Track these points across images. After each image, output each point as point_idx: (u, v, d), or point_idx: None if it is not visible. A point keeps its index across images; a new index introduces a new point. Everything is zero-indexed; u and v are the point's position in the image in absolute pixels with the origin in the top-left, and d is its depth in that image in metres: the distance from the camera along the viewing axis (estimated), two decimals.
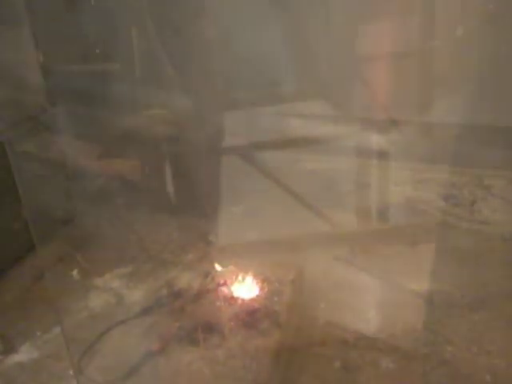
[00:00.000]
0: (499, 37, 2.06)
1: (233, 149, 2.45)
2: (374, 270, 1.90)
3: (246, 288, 1.82)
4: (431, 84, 2.35)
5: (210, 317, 1.72)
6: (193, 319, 1.73)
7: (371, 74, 2.30)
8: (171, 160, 2.15)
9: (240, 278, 1.86)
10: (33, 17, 1.71)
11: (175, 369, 1.59)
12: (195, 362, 1.59)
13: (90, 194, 2.05)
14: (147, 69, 1.90)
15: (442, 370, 1.51)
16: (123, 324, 1.77)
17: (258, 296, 1.78)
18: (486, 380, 1.47)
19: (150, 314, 1.81)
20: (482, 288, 1.78)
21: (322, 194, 2.32)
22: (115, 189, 2.05)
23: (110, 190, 2.09)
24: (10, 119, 1.80)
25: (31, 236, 1.58)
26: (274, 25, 2.08)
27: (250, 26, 2.02)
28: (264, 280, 1.83)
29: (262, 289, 1.81)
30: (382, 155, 2.33)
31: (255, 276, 1.86)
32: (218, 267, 1.95)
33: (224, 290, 1.82)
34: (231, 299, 1.78)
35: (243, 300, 1.77)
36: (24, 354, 1.75)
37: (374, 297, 1.81)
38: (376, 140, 2.35)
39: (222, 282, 1.85)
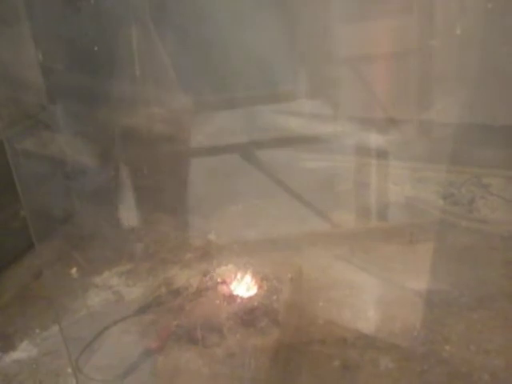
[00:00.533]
0: (498, 36, 2.07)
1: (232, 147, 2.45)
2: (372, 268, 1.90)
3: (244, 286, 1.82)
4: (430, 83, 2.35)
5: (208, 315, 1.72)
6: (191, 317, 1.73)
7: (370, 73, 2.30)
8: (169, 159, 2.14)
9: (239, 276, 1.86)
10: (32, 15, 1.71)
11: (174, 367, 1.59)
12: (194, 361, 1.59)
13: (89, 193, 2.05)
14: (147, 67, 1.89)
15: (440, 368, 1.51)
16: (122, 322, 1.77)
17: (256, 294, 1.78)
18: (485, 379, 1.47)
19: (149, 312, 1.80)
20: (480, 287, 1.78)
21: (322, 192, 2.32)
22: (114, 187, 2.05)
23: (108, 189, 2.09)
24: (9, 117, 1.79)
25: (30, 234, 1.57)
26: (273, 24, 2.08)
27: (250, 26, 2.02)
28: (263, 278, 1.83)
29: (260, 287, 1.81)
30: (381, 154, 2.33)
31: (254, 274, 1.85)
32: (216, 265, 1.94)
33: (223, 288, 1.82)
34: (230, 297, 1.78)
35: (242, 298, 1.77)
36: (23, 352, 1.75)
37: (372, 295, 1.81)
38: (375, 139, 2.35)
39: (221, 280, 1.85)
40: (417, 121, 2.38)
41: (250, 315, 1.70)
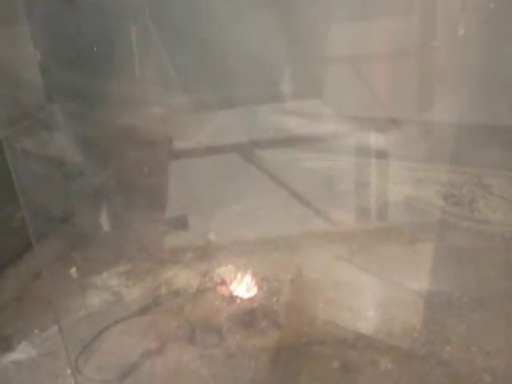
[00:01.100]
0: (500, 35, 2.06)
1: (232, 147, 2.45)
2: (373, 269, 1.90)
3: (244, 287, 1.81)
4: (431, 83, 2.35)
5: (208, 316, 1.72)
6: (191, 318, 1.73)
7: (371, 72, 2.29)
8: (168, 158, 2.14)
9: (239, 276, 1.85)
10: (31, 14, 1.70)
11: (173, 368, 1.59)
12: (193, 362, 1.59)
13: (88, 192, 2.05)
14: (146, 66, 1.89)
15: (441, 370, 1.51)
16: (121, 323, 1.77)
17: (256, 295, 1.78)
18: (486, 380, 1.47)
19: (148, 312, 1.80)
20: (481, 287, 1.77)
21: (322, 192, 2.32)
22: (113, 187, 2.05)
23: (107, 188, 2.09)
24: (8, 117, 1.79)
25: (29, 234, 1.57)
26: (272, 23, 2.08)
27: (249, 25, 2.02)
28: (263, 279, 1.83)
29: (260, 288, 1.80)
30: (382, 154, 2.33)
31: (254, 275, 1.85)
32: (216, 266, 1.94)
33: (223, 289, 1.82)
34: (230, 298, 1.78)
35: (242, 299, 1.77)
36: (21, 353, 1.75)
37: (372, 296, 1.80)
38: (375, 139, 2.34)
39: (220, 281, 1.84)
40: (417, 121, 2.37)
41: (249, 316, 1.69)
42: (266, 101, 2.39)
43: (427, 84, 2.34)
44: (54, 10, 1.71)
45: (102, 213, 2.15)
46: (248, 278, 1.84)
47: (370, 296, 1.80)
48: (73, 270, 1.94)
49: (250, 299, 1.76)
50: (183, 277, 1.94)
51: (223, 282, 1.84)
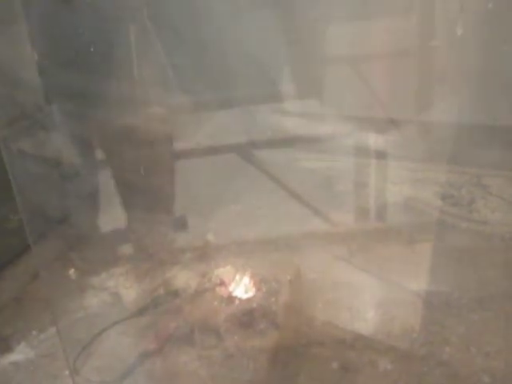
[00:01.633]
0: (498, 36, 2.06)
1: (231, 147, 2.44)
2: (372, 269, 1.90)
3: (243, 288, 1.81)
4: (430, 83, 2.34)
5: (207, 317, 1.71)
6: (190, 319, 1.73)
7: (370, 72, 2.29)
8: (167, 159, 2.14)
9: (237, 277, 1.85)
10: (29, 14, 1.70)
11: (172, 369, 1.58)
12: (192, 363, 1.59)
13: (86, 193, 2.04)
14: (144, 66, 1.89)
15: (440, 370, 1.51)
16: (120, 324, 1.76)
17: (255, 296, 1.77)
18: (485, 381, 1.46)
19: (147, 313, 1.80)
20: (480, 288, 1.77)
21: (320, 192, 2.32)
22: (111, 187, 2.04)
23: (105, 189, 2.08)
24: (5, 117, 1.79)
25: (26, 235, 1.57)
26: (271, 23, 2.07)
27: (248, 25, 2.02)
28: (261, 280, 1.83)
29: (259, 289, 1.80)
30: (380, 154, 2.33)
31: (253, 276, 1.85)
32: (215, 267, 1.94)
33: (221, 289, 1.82)
34: (228, 299, 1.77)
35: (241, 300, 1.77)
36: (19, 354, 1.74)
37: (371, 296, 1.80)
38: (374, 139, 2.34)
39: (219, 281, 1.84)
40: (416, 121, 2.37)
41: (248, 317, 1.69)
42: (265, 101, 2.39)
43: (426, 84, 2.33)
44: (51, 10, 1.70)
45: (100, 213, 2.14)
46: (247, 279, 1.84)
47: (368, 296, 1.80)
48: (71, 271, 1.94)
49: (249, 300, 1.76)
50: (182, 277, 1.94)
51: (222, 283, 1.84)
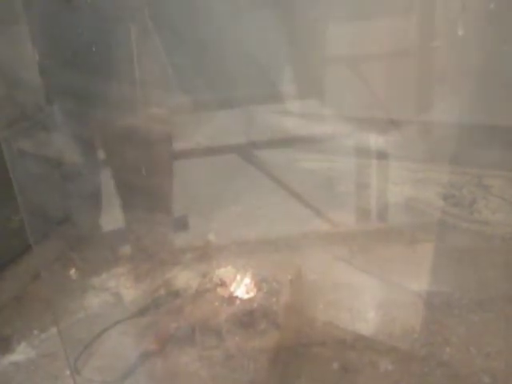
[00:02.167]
0: (499, 36, 2.06)
1: (231, 147, 2.44)
2: (372, 269, 1.90)
3: (244, 288, 1.81)
4: (430, 83, 2.34)
5: (207, 317, 1.71)
6: (190, 319, 1.73)
7: (370, 72, 2.29)
8: (167, 159, 2.14)
9: (238, 277, 1.85)
10: (29, 15, 1.70)
11: (173, 369, 1.58)
12: (193, 363, 1.58)
13: (87, 193, 2.04)
14: (145, 67, 1.89)
15: (440, 371, 1.51)
16: (120, 324, 1.76)
17: (256, 296, 1.77)
18: (485, 381, 1.46)
19: (148, 313, 1.80)
20: (481, 289, 1.77)
21: (321, 193, 2.32)
22: (111, 188, 2.04)
23: (106, 189, 2.08)
24: (7, 118, 1.79)
25: (27, 235, 1.57)
26: (271, 23, 2.07)
27: (248, 26, 2.02)
28: (262, 280, 1.82)
29: (260, 289, 1.80)
30: (381, 155, 2.32)
31: (253, 276, 1.85)
32: (216, 267, 1.94)
33: (222, 290, 1.81)
34: (229, 299, 1.77)
35: (241, 300, 1.77)
36: (20, 354, 1.74)
37: (372, 297, 1.80)
38: (375, 139, 2.34)
39: (220, 281, 1.84)
40: (417, 121, 2.37)
41: (249, 317, 1.69)
42: (265, 101, 2.39)
43: (427, 84, 2.33)
44: (52, 10, 1.70)
45: (101, 213, 2.14)
46: (247, 279, 1.84)
47: (369, 297, 1.80)
48: (72, 271, 1.94)
49: (250, 300, 1.76)
50: (183, 278, 1.94)
51: (223, 283, 1.84)
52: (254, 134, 2.44)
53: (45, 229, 1.86)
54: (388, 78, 2.28)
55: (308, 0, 2.08)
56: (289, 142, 2.45)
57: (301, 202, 2.23)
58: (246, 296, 1.78)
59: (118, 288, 1.96)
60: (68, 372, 1.62)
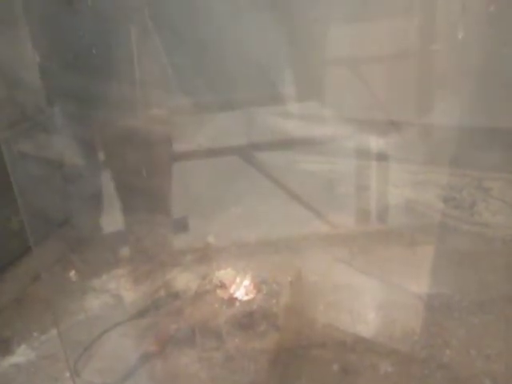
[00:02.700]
0: (499, 38, 2.06)
1: (232, 149, 2.44)
2: (373, 271, 1.89)
3: (244, 290, 1.81)
4: (431, 85, 2.34)
5: (207, 319, 1.71)
6: (190, 321, 1.73)
7: (370, 74, 2.29)
8: (168, 161, 2.14)
9: (238, 279, 1.85)
10: (30, 16, 1.70)
11: (173, 371, 1.58)
12: (193, 364, 1.59)
13: (87, 195, 2.05)
14: (145, 68, 1.89)
15: (440, 373, 1.50)
16: (120, 326, 1.76)
17: (255, 298, 1.77)
18: None
19: (148, 315, 1.80)
20: (481, 291, 1.77)
21: (321, 195, 2.32)
22: (112, 189, 2.04)
23: (106, 191, 2.09)
24: (7, 119, 1.79)
25: (28, 237, 1.57)
26: (271, 25, 2.07)
27: (248, 27, 2.02)
28: (262, 282, 1.83)
29: (260, 290, 1.80)
30: (382, 157, 2.32)
31: (253, 277, 1.85)
32: (216, 269, 1.94)
33: (222, 291, 1.81)
34: (229, 301, 1.77)
35: (241, 302, 1.77)
36: (20, 356, 1.74)
37: (372, 299, 1.80)
38: (375, 141, 2.34)
39: (220, 283, 1.84)
40: (418, 123, 2.37)
41: (248, 319, 1.69)
42: (266, 103, 2.39)
43: (427, 86, 2.33)
44: (53, 12, 1.71)
45: (101, 215, 2.14)
46: (247, 281, 1.84)
47: (369, 299, 1.80)
48: (72, 273, 1.94)
49: (250, 302, 1.76)
50: (182, 279, 1.94)
51: (223, 285, 1.84)
52: (254, 135, 2.44)
53: (45, 230, 1.86)
54: (388, 80, 2.28)
55: (308, 1, 2.08)
56: (289, 143, 2.45)
57: (301, 203, 2.23)
58: (245, 298, 1.78)
59: (118, 290, 1.96)
60: (68, 374, 1.62)
